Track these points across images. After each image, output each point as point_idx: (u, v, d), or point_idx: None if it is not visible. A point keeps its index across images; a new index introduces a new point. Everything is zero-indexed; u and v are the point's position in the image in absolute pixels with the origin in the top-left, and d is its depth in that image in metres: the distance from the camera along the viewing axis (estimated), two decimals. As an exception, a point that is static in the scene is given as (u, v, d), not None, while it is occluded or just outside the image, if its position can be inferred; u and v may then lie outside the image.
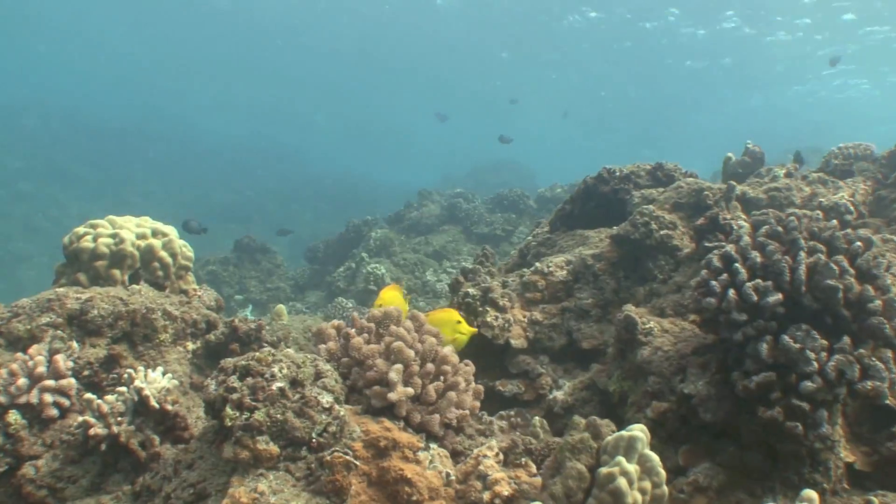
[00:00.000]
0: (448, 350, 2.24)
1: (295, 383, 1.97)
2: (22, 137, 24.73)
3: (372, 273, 9.33)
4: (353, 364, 2.18)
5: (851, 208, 3.33)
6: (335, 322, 2.38)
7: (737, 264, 2.12)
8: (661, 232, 3.17)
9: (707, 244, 2.78)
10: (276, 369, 1.95)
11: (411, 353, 2.10)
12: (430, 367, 2.12)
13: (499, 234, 11.10)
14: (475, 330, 2.87)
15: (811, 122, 28.66)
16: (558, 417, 3.02)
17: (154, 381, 2.32)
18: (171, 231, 3.35)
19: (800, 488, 2.30)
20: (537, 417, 2.70)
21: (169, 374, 2.42)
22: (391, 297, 2.81)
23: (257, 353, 2.03)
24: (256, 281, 10.81)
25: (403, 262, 10.11)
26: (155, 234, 3.25)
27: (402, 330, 2.17)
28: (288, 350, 2.13)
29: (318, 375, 2.04)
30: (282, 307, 3.99)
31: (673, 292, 2.98)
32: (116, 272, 3.04)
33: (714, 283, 2.11)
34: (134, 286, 3.02)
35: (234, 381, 1.93)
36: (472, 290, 3.26)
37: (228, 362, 2.04)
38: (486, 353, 3.29)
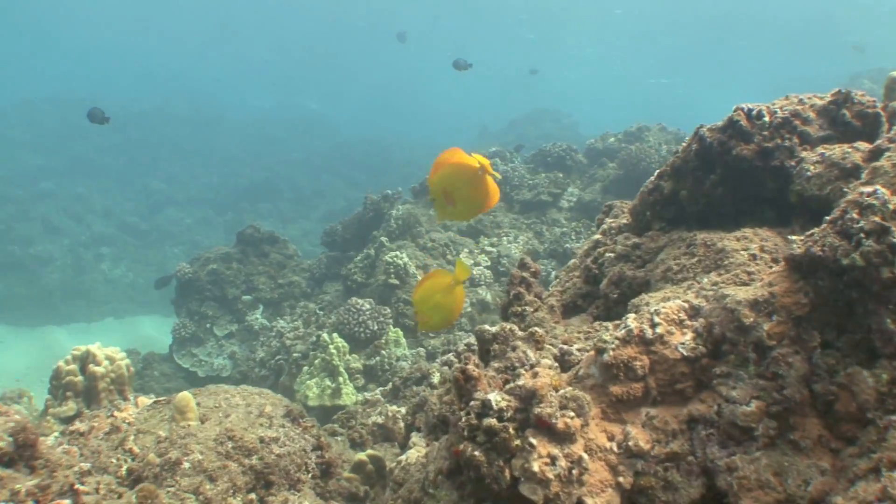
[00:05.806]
0: None
1: None
2: (42, 134, 23.65)
3: (392, 262, 7.63)
4: None
5: None
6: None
7: None
8: (925, 252, 1.37)
9: None
10: None
11: None
12: None
13: (544, 199, 9.23)
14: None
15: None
16: None
17: None
18: None
19: None
20: None
21: None
22: None
23: None
24: (266, 277, 9.28)
25: (431, 243, 8.38)
26: None
27: None
28: None
29: None
30: (186, 397, 2.35)
31: None
32: None
33: None
34: None
35: None
36: (496, 400, 1.54)
37: None
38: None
